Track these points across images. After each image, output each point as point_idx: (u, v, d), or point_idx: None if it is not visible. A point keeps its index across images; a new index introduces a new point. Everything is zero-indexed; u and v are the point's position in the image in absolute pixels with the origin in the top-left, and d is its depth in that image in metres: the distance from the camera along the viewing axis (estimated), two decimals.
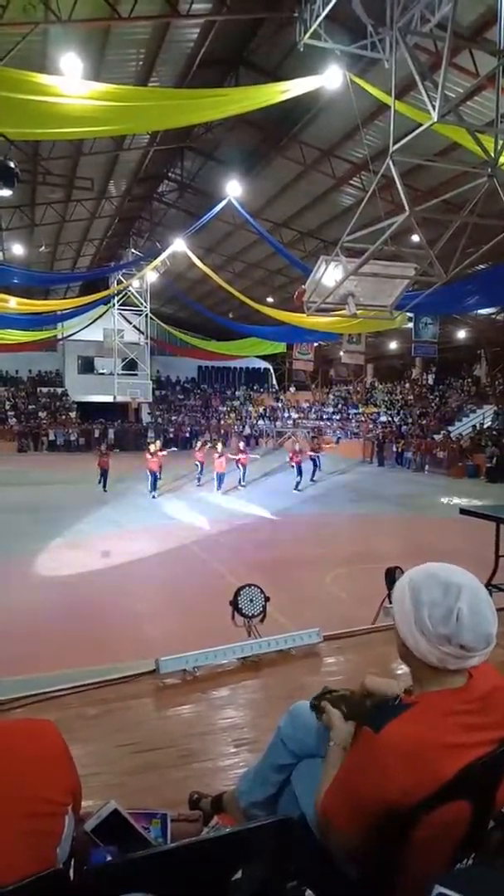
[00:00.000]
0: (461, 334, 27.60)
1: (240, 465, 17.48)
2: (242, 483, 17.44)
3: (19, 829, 1.02)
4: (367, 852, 1.31)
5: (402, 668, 1.77)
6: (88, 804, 1.50)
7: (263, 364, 39.81)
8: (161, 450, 16.39)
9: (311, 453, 18.95)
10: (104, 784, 2.37)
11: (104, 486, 16.61)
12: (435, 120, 6.57)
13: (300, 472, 17.45)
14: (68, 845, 1.12)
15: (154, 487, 15.89)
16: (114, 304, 28.36)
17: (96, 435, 30.15)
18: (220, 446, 17.38)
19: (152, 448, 16.24)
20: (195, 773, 2.49)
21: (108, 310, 27.48)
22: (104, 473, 16.70)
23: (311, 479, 18.75)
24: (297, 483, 17.40)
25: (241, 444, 18.89)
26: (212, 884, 1.15)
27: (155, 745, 2.71)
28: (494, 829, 1.47)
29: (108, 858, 1.28)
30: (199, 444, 18.98)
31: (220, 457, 16.73)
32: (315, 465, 19.02)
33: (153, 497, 15.66)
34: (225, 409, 37.16)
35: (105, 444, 17.62)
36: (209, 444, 19.36)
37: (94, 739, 2.75)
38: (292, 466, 17.53)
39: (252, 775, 1.88)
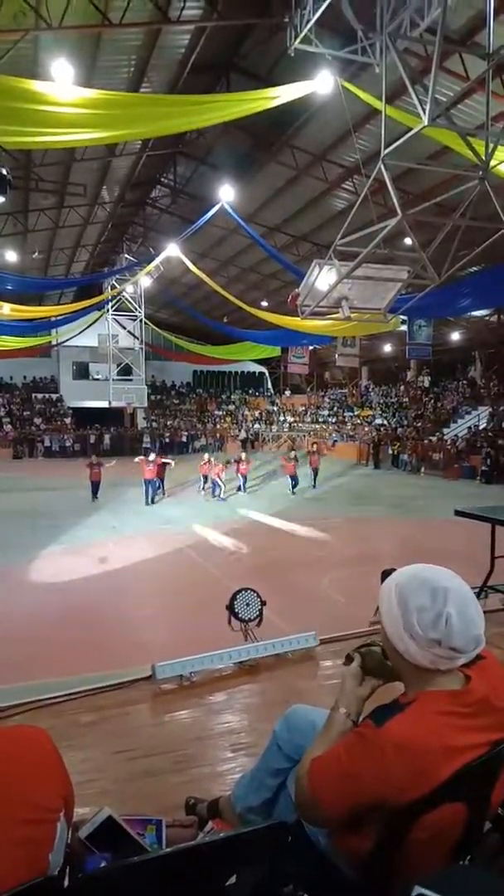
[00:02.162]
0: (455, 336, 27.69)
1: (240, 475, 17.54)
2: (243, 491, 17.46)
3: (11, 837, 1.01)
4: (367, 855, 1.31)
5: None
6: (84, 811, 1.49)
7: (259, 368, 39.79)
8: (160, 459, 16.06)
9: (311, 465, 18.98)
10: (100, 791, 2.36)
11: (94, 496, 16.11)
12: (426, 124, 6.58)
13: (295, 479, 17.48)
14: (62, 852, 1.10)
15: (148, 499, 15.59)
16: (108, 310, 28.33)
17: (92, 441, 30.06)
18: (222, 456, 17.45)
19: (152, 457, 16.02)
20: (192, 779, 2.48)
21: (102, 315, 27.43)
22: (95, 486, 16.20)
23: (312, 486, 18.80)
24: (294, 486, 17.40)
25: (243, 455, 18.81)
26: (207, 889, 1.15)
27: (151, 751, 2.70)
28: (491, 831, 1.47)
29: (103, 865, 1.27)
30: (205, 457, 18.77)
31: (221, 466, 16.72)
32: (314, 473, 19.10)
33: (147, 504, 15.49)
34: (221, 413, 37.14)
35: (95, 457, 17.16)
36: (211, 458, 19.26)
37: (90, 746, 2.74)
38: (290, 477, 17.52)
39: (247, 780, 1.87)
